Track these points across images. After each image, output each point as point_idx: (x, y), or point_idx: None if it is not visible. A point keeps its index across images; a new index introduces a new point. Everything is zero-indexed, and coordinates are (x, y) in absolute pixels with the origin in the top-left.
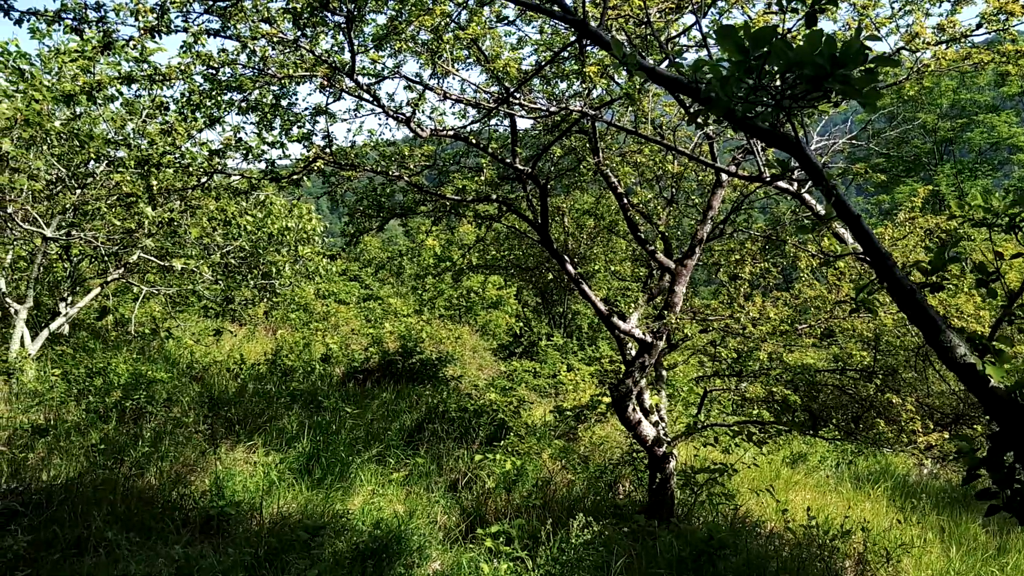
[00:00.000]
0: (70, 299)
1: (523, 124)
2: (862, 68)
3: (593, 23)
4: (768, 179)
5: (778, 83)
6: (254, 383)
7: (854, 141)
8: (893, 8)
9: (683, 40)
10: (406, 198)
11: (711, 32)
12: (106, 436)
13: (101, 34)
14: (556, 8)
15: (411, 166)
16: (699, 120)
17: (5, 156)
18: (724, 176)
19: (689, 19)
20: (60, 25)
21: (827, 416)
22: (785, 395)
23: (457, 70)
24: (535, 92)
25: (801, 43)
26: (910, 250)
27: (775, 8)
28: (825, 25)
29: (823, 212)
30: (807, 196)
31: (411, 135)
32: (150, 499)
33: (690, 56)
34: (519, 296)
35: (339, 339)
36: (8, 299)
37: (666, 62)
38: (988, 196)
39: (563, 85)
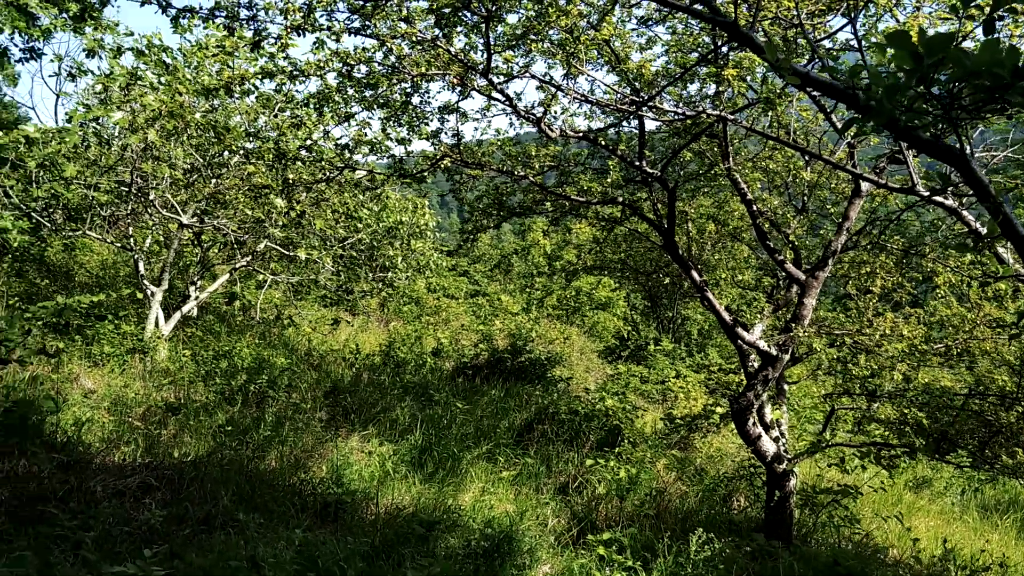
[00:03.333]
0: (199, 283)
1: (650, 125)
2: None
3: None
4: (927, 194)
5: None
6: (368, 373)
7: (1015, 156)
8: None
9: (827, 44)
10: (526, 197)
11: (865, 35)
12: (232, 418)
13: (252, 32)
14: (705, 10)
15: (535, 166)
16: (851, 128)
17: (150, 145)
18: (864, 186)
19: (835, 22)
20: (201, 23)
21: (956, 441)
22: (919, 418)
23: (587, 71)
24: (663, 93)
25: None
26: None
27: (949, 12)
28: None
29: (983, 230)
30: (965, 213)
31: (537, 134)
32: (271, 482)
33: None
34: (628, 299)
35: (450, 334)
36: (145, 281)
37: (810, 65)
38: None
39: (693, 87)
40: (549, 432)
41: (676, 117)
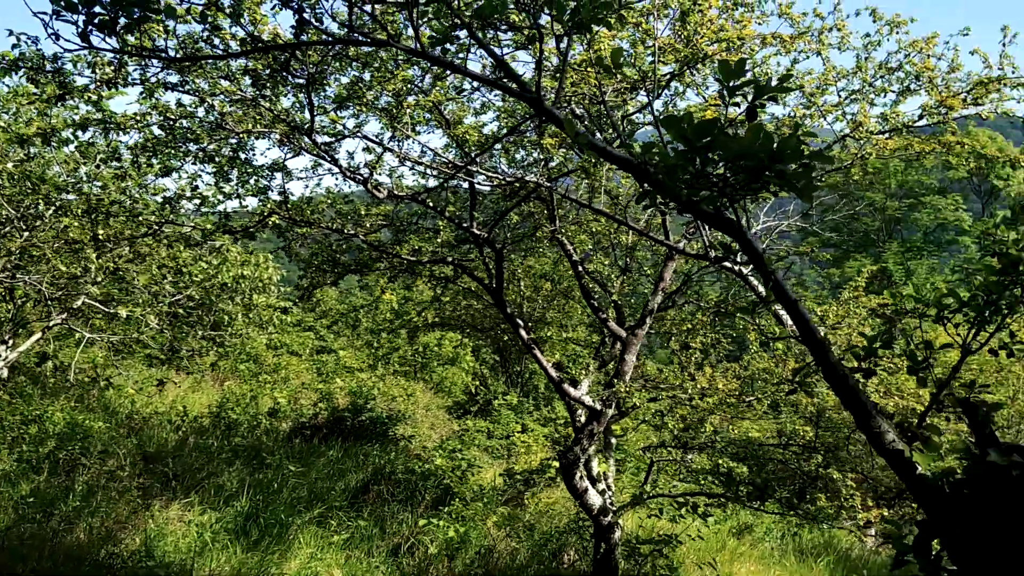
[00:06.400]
0: (11, 342)
1: (485, 188)
2: (798, 163)
3: (546, 99)
4: (714, 259)
5: (721, 171)
6: (195, 437)
7: (799, 224)
8: (840, 96)
9: (641, 117)
10: (361, 254)
11: (662, 115)
12: (37, 488)
13: (56, 84)
14: (513, 85)
15: (367, 224)
16: (647, 200)
17: None
18: None
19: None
20: (15, 74)
21: (773, 489)
22: (730, 467)
23: (418, 133)
24: (496, 157)
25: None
26: (855, 328)
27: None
28: (775, 109)
29: (765, 293)
30: (751, 278)
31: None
32: (77, 557)
33: (645, 131)
34: (476, 354)
35: (288, 393)
36: None
37: (617, 140)
38: (925, 282)
39: (521, 153)
40: (385, 493)
41: (502, 182)
